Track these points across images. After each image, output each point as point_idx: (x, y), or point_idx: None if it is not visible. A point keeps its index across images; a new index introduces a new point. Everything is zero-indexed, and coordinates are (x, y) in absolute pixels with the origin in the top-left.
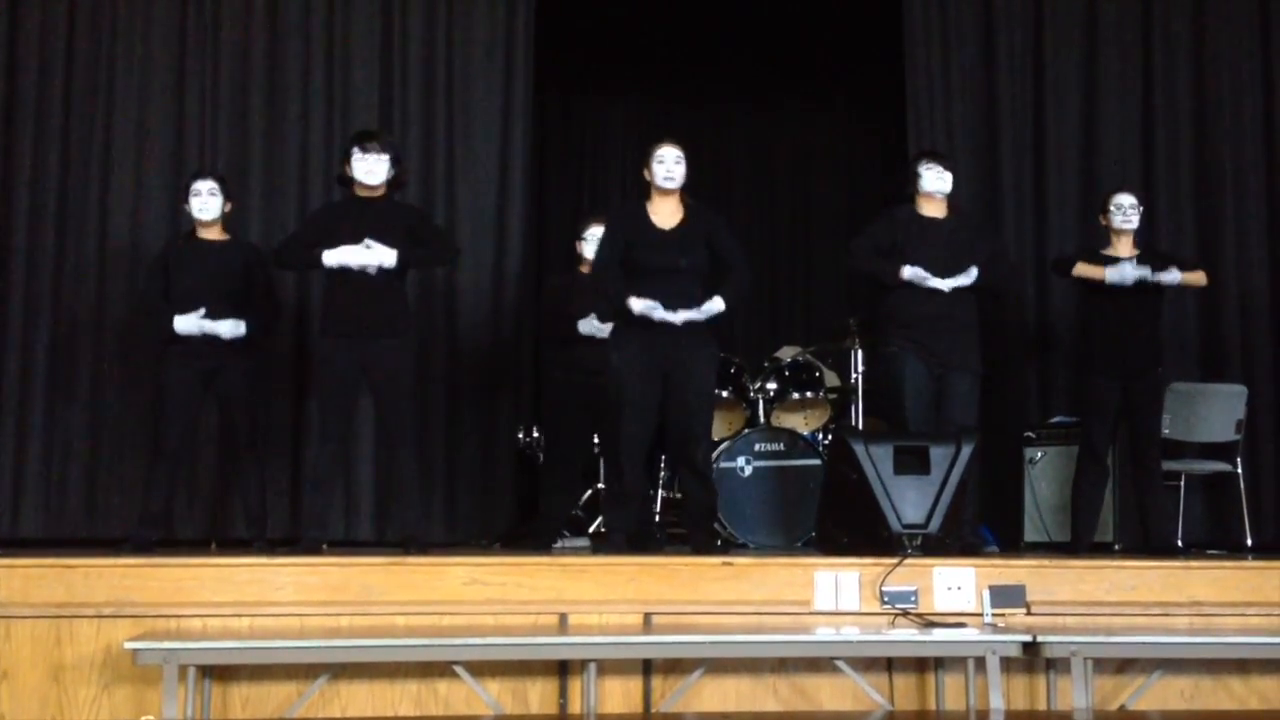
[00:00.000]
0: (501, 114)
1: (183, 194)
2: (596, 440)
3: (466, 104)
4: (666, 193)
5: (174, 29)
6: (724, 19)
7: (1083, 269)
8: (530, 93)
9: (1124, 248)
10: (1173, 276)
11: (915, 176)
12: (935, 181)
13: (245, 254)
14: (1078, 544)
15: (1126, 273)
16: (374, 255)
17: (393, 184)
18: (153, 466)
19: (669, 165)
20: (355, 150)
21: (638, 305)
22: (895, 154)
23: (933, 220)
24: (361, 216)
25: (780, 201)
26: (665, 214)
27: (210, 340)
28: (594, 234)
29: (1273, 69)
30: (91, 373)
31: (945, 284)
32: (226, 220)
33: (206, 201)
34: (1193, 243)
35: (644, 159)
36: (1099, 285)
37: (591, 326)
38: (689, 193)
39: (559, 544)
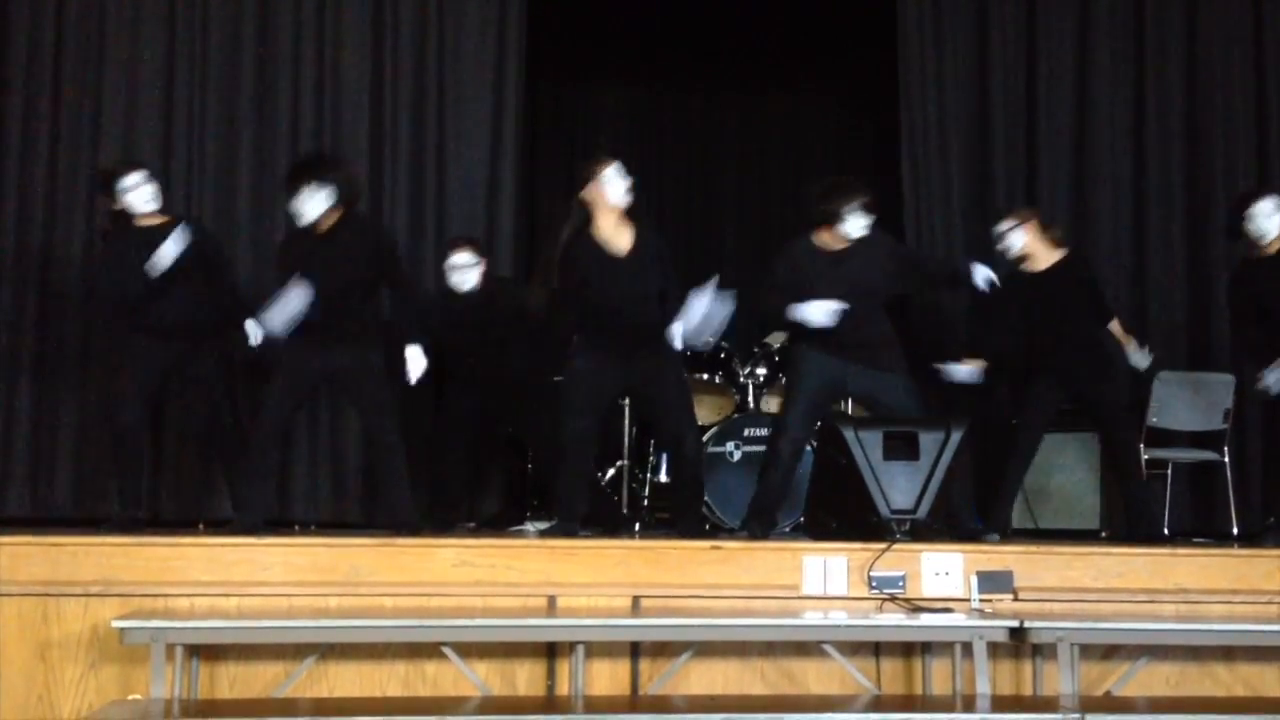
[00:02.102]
0: (493, 102)
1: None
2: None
3: (458, 92)
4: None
5: (163, 16)
6: (717, 6)
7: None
8: (522, 81)
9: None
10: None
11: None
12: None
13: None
14: (994, 527)
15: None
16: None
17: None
18: (113, 446)
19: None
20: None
21: None
22: (888, 143)
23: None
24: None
25: (771, 189)
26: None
27: (179, 326)
28: None
29: (1265, 65)
30: (79, 354)
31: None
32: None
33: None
34: (1183, 234)
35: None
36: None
37: None
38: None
39: (529, 528)
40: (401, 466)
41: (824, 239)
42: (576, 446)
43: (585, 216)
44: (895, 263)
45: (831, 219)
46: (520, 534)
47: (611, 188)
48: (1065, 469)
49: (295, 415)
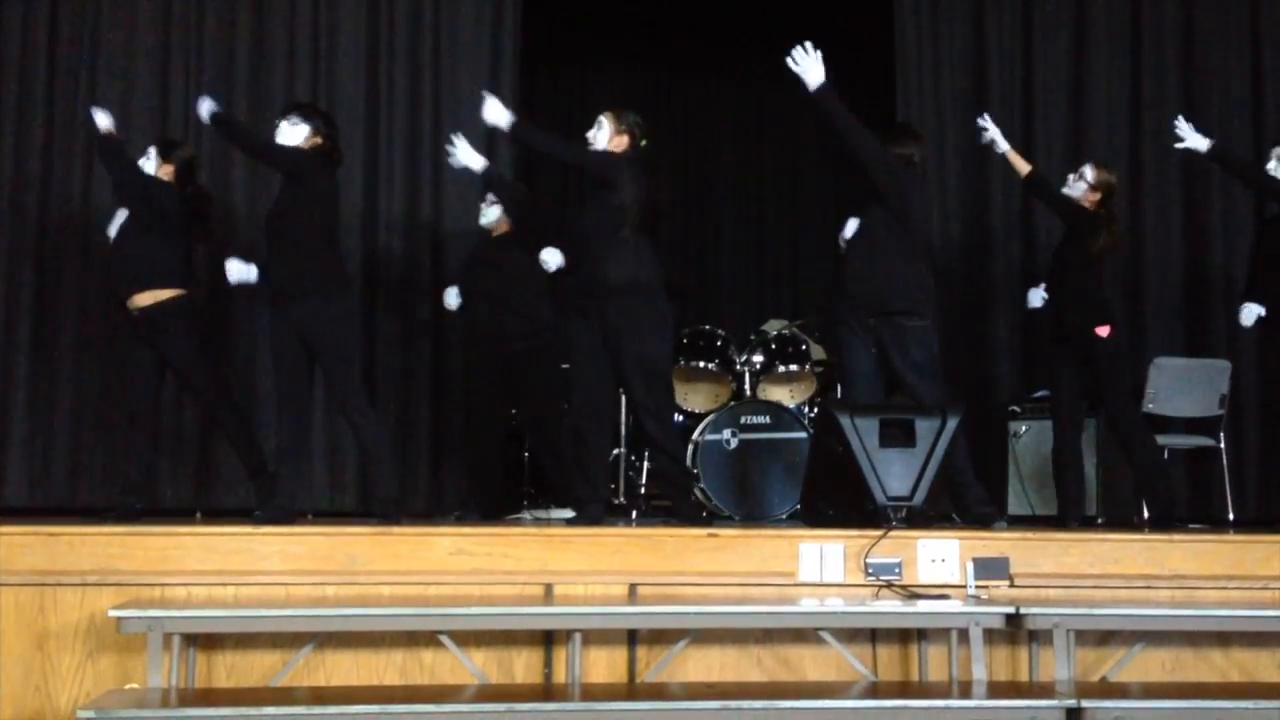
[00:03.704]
0: (489, 85)
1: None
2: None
3: (453, 75)
4: None
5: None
6: None
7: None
8: (518, 64)
9: None
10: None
11: None
12: None
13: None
14: (1066, 518)
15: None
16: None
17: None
18: (128, 434)
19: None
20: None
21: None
22: (884, 127)
23: None
24: None
25: (768, 175)
26: None
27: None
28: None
29: (1261, 48)
30: (75, 342)
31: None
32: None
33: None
34: (1179, 217)
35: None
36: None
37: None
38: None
39: (535, 514)
40: (373, 436)
41: None
42: (592, 425)
43: None
44: None
45: None
46: (518, 522)
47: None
48: None
49: (304, 380)
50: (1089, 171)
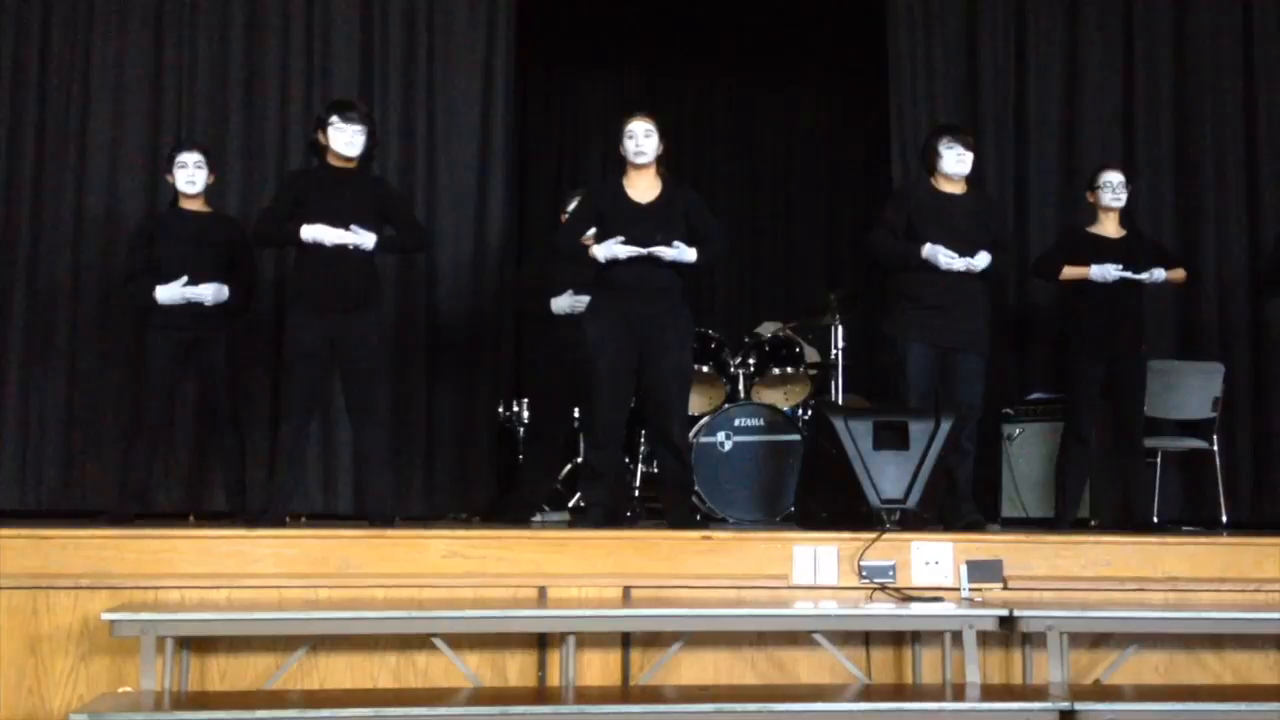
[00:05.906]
0: (483, 86)
1: (165, 164)
2: (577, 415)
3: (448, 76)
4: (640, 167)
5: (151, 4)
6: None
7: (1070, 273)
8: (512, 65)
9: (1110, 225)
10: (1157, 277)
11: (934, 154)
12: (955, 164)
13: (227, 227)
14: (1061, 520)
15: (1109, 274)
16: (352, 238)
17: (366, 157)
18: (133, 439)
19: (639, 140)
20: (334, 118)
21: (602, 251)
22: (877, 130)
23: (950, 197)
24: (335, 189)
25: (761, 176)
26: (641, 188)
27: (191, 312)
28: None
29: (1254, 50)
30: (68, 344)
31: (962, 263)
32: (209, 192)
33: (193, 174)
34: (1172, 221)
35: (617, 134)
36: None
37: (565, 303)
38: (667, 166)
39: (537, 518)
40: (380, 449)
41: (939, 182)
42: (604, 426)
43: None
44: (994, 231)
45: (933, 155)
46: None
47: (628, 143)
48: (1054, 458)
49: (320, 391)
50: None
